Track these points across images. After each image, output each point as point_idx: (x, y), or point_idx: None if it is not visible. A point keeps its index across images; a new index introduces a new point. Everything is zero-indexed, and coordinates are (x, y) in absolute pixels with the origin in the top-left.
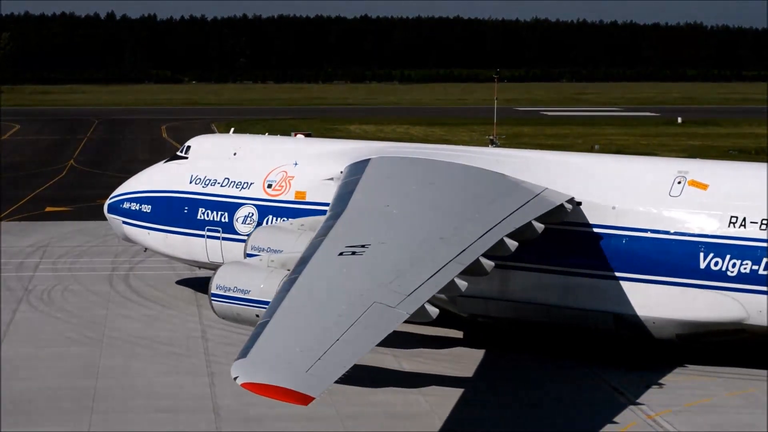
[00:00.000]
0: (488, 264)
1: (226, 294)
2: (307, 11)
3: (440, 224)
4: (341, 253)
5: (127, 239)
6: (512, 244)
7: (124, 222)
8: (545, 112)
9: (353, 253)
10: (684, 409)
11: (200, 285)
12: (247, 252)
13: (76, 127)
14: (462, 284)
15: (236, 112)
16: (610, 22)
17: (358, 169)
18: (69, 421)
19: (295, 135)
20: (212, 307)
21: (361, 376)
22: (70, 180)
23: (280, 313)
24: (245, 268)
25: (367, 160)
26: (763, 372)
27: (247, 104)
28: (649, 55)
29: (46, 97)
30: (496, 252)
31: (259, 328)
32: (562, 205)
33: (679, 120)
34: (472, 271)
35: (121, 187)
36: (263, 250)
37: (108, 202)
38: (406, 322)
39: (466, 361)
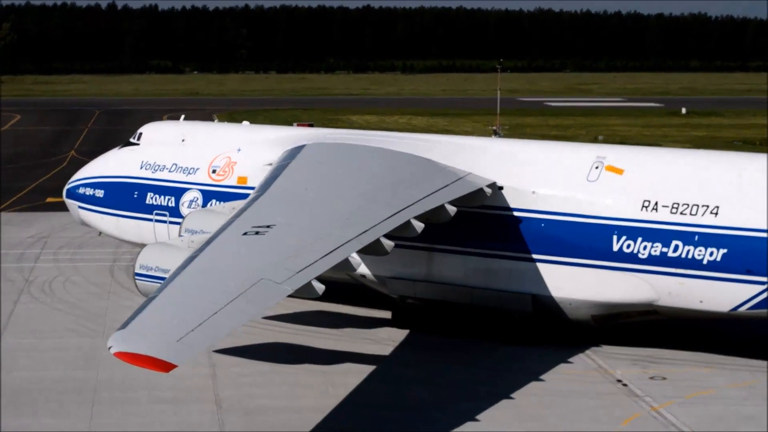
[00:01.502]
0: (388, 244)
1: (149, 273)
2: (309, 2)
3: (351, 206)
4: (245, 233)
5: (84, 224)
6: (418, 226)
7: (80, 207)
8: (549, 103)
9: (257, 232)
10: (686, 401)
11: None
12: (180, 234)
13: (77, 118)
14: (356, 263)
15: (238, 103)
16: (614, 12)
17: (292, 154)
18: (70, 412)
19: (297, 125)
20: (136, 285)
21: (361, 368)
22: (71, 170)
23: (169, 288)
24: (167, 248)
25: (303, 146)
26: (764, 363)
27: (249, 95)
28: (653, 46)
29: (46, 87)
30: (403, 233)
31: (147, 301)
32: (481, 189)
33: (683, 111)
34: (372, 250)
35: (78, 172)
36: (195, 232)
37: (66, 187)
38: (294, 297)
39: (467, 351)
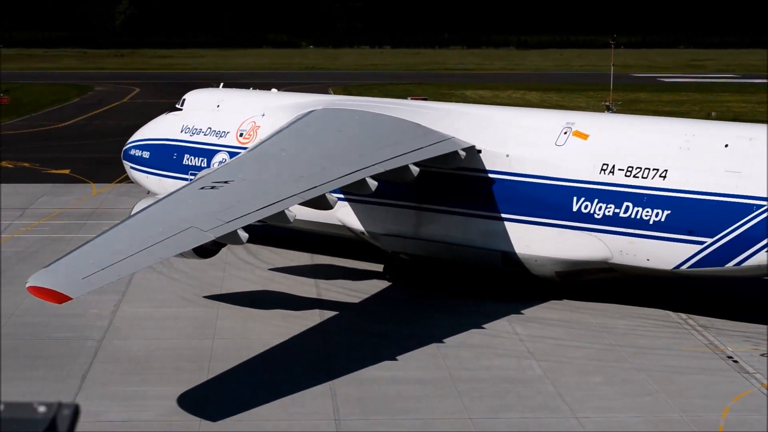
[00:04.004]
0: (332, 199)
1: None
2: None
3: (313, 165)
4: (203, 187)
5: (136, 183)
6: (372, 184)
7: (131, 167)
8: (662, 79)
9: (212, 187)
10: None
11: (317, 247)
12: None
13: None
14: (291, 215)
15: (353, 77)
16: None
17: (296, 119)
18: (185, 380)
19: (411, 99)
20: None
21: (472, 341)
22: None
23: (106, 234)
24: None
25: (310, 111)
26: None
27: (364, 69)
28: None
29: (165, 60)
30: (359, 190)
31: (80, 245)
32: (456, 152)
33: None
34: (318, 205)
35: (133, 135)
36: None
37: (123, 149)
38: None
39: (579, 326)
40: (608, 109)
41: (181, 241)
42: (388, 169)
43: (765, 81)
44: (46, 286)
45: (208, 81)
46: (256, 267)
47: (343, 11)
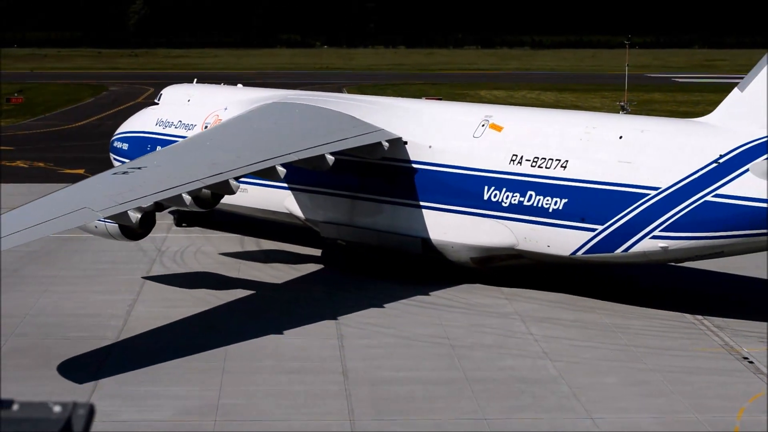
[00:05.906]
0: (234, 185)
1: None
2: None
3: (230, 153)
4: (116, 173)
5: None
6: (281, 171)
7: (114, 158)
8: (676, 79)
9: (125, 172)
10: None
11: (330, 247)
12: None
13: None
14: (187, 199)
15: (367, 77)
16: None
17: (245, 111)
18: (200, 380)
19: (426, 99)
20: None
21: (486, 342)
22: None
23: (13, 211)
24: None
25: (262, 105)
26: None
27: (378, 69)
28: None
29: (179, 60)
30: (270, 176)
31: None
32: (379, 143)
33: None
34: (221, 189)
35: (118, 128)
36: None
37: (110, 141)
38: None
39: (594, 327)
40: (623, 109)
41: (70, 220)
42: (301, 158)
43: None
44: None
45: (222, 81)
46: (270, 267)
47: (361, 12)
